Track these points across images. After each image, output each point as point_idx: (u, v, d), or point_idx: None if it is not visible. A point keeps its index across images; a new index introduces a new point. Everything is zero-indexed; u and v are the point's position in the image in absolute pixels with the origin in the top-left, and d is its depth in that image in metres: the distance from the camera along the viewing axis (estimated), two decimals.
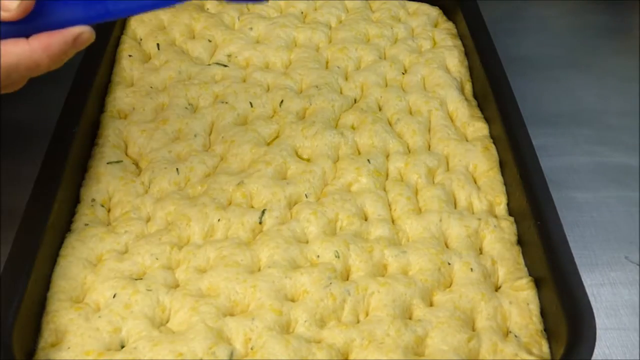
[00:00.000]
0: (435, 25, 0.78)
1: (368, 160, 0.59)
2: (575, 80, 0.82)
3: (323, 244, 0.52)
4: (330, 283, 0.49)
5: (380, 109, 0.65)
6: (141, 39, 0.70)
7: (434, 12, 0.78)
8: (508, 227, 0.55)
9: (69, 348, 0.44)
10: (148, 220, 0.54)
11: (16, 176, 0.63)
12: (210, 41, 0.70)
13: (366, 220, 0.55)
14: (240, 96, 0.64)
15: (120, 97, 0.63)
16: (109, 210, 0.55)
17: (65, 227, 0.53)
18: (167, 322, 0.48)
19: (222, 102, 0.63)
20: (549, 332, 0.48)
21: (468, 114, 0.65)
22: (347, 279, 0.51)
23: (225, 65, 0.68)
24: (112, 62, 0.67)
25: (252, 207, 0.55)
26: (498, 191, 0.58)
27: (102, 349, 0.45)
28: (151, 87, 0.65)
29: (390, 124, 0.64)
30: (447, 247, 0.54)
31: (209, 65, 0.68)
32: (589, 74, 0.83)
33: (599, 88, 0.81)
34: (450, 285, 0.51)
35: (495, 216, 0.56)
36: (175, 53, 0.68)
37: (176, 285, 0.50)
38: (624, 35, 0.92)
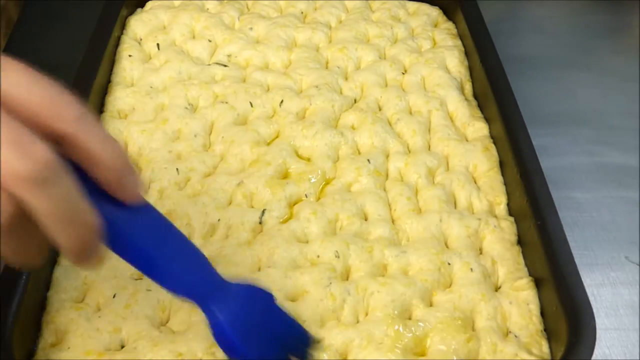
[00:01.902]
0: (435, 25, 0.77)
1: (368, 160, 0.59)
2: (575, 80, 0.82)
3: (323, 243, 0.52)
4: (330, 283, 0.49)
5: (380, 109, 0.65)
6: (141, 39, 0.70)
7: (434, 12, 0.78)
8: (508, 227, 0.55)
9: (69, 348, 0.44)
10: None
11: None
12: (210, 41, 0.70)
13: (366, 220, 0.55)
14: (240, 96, 0.64)
15: (120, 97, 0.63)
16: None
17: None
18: (167, 322, 0.48)
19: (222, 102, 0.63)
20: (549, 332, 0.48)
21: (468, 114, 0.65)
22: (347, 279, 0.51)
23: (225, 65, 0.68)
24: (112, 62, 0.67)
25: (252, 207, 0.55)
26: (498, 191, 0.58)
27: (102, 349, 0.45)
28: (151, 87, 0.65)
29: (390, 124, 0.64)
30: (447, 247, 0.54)
31: (209, 65, 0.68)
32: (589, 74, 0.83)
33: (599, 88, 0.81)
34: (450, 286, 0.51)
35: (495, 216, 0.56)
36: (175, 53, 0.68)
37: None
38: (624, 35, 0.92)
